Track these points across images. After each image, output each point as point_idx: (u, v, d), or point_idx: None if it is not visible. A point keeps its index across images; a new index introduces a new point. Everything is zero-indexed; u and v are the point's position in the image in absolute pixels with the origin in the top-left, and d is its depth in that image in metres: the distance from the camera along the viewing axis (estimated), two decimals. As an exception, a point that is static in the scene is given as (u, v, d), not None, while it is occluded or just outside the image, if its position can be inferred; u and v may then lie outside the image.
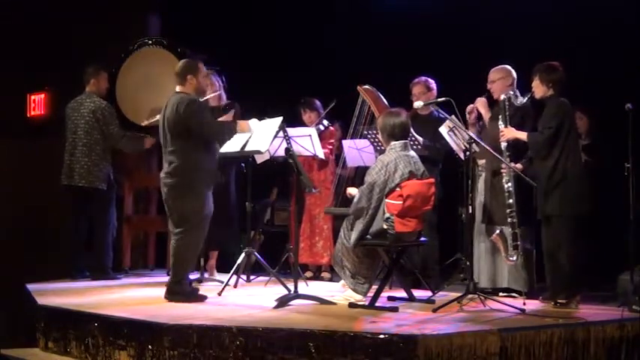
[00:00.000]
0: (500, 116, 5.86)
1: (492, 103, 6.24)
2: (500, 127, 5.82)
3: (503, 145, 5.79)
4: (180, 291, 5.84)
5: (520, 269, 5.95)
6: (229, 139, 6.05)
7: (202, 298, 5.89)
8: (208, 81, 6.75)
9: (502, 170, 5.81)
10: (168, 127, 5.81)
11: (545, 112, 5.66)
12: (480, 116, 6.31)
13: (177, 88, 5.91)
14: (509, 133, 5.77)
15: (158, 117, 7.04)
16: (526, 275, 5.98)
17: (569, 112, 5.66)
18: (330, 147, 7.25)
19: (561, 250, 5.55)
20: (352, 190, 5.84)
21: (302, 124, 7.18)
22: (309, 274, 7.33)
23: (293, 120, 7.05)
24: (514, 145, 5.82)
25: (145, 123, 7.38)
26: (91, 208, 7.23)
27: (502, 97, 5.90)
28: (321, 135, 7.10)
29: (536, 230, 5.87)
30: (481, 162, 6.12)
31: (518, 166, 5.85)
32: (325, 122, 7.25)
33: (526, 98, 5.77)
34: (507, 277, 6.03)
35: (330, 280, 7.06)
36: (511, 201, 5.72)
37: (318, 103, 7.31)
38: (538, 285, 6.08)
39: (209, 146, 5.88)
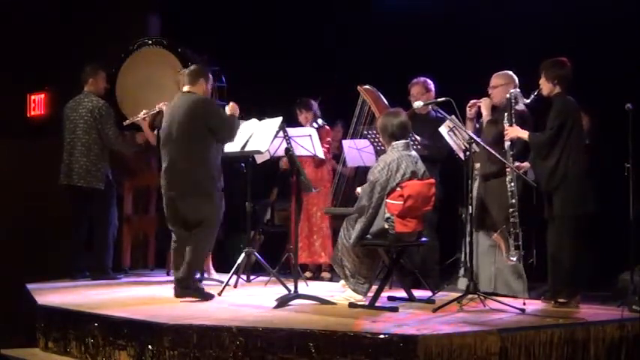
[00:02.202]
0: (505, 114, 5.82)
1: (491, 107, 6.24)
2: (505, 125, 5.79)
3: (507, 144, 5.76)
4: (193, 287, 5.90)
5: (519, 271, 5.95)
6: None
7: (210, 297, 5.94)
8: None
9: (506, 170, 5.78)
10: (180, 127, 5.81)
11: (551, 111, 5.62)
12: (479, 115, 6.30)
13: (187, 88, 5.95)
14: (512, 132, 5.73)
15: (140, 115, 7.10)
16: (525, 278, 5.98)
17: (573, 111, 5.58)
18: (327, 146, 7.23)
19: (563, 250, 5.54)
20: (361, 189, 5.84)
21: (298, 124, 7.17)
22: (308, 274, 7.34)
23: (293, 120, 7.06)
24: (522, 143, 5.79)
25: (127, 122, 7.39)
26: (91, 208, 7.23)
27: (508, 94, 5.84)
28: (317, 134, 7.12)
29: (536, 231, 5.88)
30: (476, 165, 6.10)
31: (525, 164, 5.83)
32: (320, 121, 7.25)
33: (532, 96, 5.71)
34: (496, 282, 6.02)
35: (330, 280, 7.07)
36: (513, 201, 5.69)
37: (313, 102, 7.31)
38: (538, 284, 6.08)
39: (216, 147, 5.93)
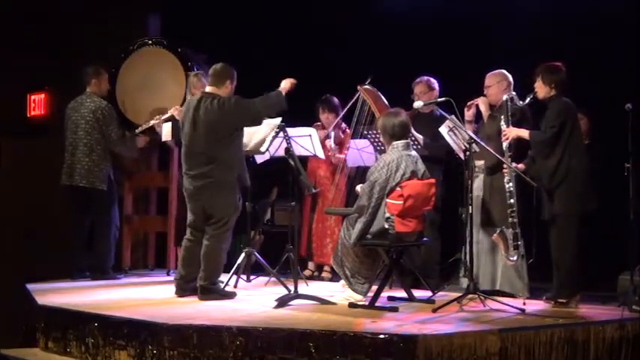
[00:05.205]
0: (502, 116, 5.85)
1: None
2: (502, 127, 5.81)
3: (505, 145, 5.79)
4: (216, 290, 5.94)
5: (520, 271, 5.94)
6: (280, 107, 6.07)
7: (233, 295, 6.00)
8: (200, 83, 6.77)
9: (503, 170, 5.80)
10: (207, 128, 5.83)
11: (548, 112, 5.65)
12: (477, 116, 6.30)
13: (209, 89, 5.97)
14: (512, 132, 5.76)
15: (153, 122, 7.15)
16: (527, 278, 5.98)
17: (572, 112, 5.65)
18: (346, 151, 7.05)
19: (565, 250, 5.55)
20: (360, 188, 5.84)
21: (308, 123, 7.13)
22: (308, 272, 7.29)
23: (293, 119, 7.02)
24: (517, 144, 5.81)
25: (140, 129, 7.39)
26: (92, 208, 7.23)
27: (504, 97, 5.89)
28: (341, 140, 7.12)
29: (537, 231, 5.87)
30: (479, 163, 6.10)
31: (520, 166, 5.84)
32: (343, 125, 7.18)
33: (528, 99, 5.76)
34: (501, 279, 6.02)
35: (331, 280, 7.06)
36: (512, 201, 5.71)
37: (337, 102, 7.20)
38: (540, 285, 6.08)
39: (242, 144, 6.01)
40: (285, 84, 6.10)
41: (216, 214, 5.91)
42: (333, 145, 7.06)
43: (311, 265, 7.38)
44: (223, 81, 5.97)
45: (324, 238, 7.23)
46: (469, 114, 6.25)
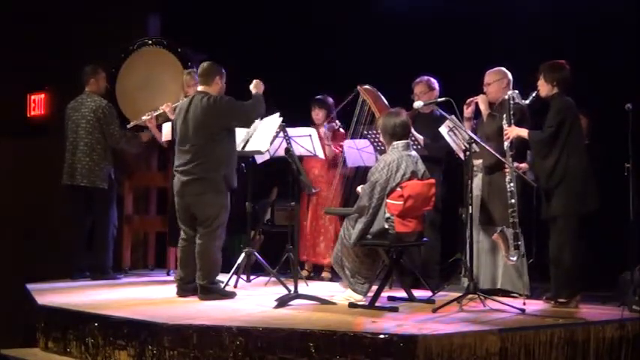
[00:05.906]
0: (504, 115, 5.84)
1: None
2: (504, 126, 5.81)
3: (506, 144, 5.78)
4: (216, 290, 5.96)
5: (520, 270, 5.95)
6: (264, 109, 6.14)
7: (233, 295, 6.01)
8: (193, 81, 6.78)
9: (505, 170, 5.79)
10: (196, 125, 5.85)
11: (549, 111, 5.65)
12: (476, 114, 6.30)
13: (201, 88, 6.00)
14: (513, 131, 5.75)
15: (144, 117, 7.15)
16: (527, 277, 5.98)
17: (572, 111, 5.61)
18: (340, 149, 7.16)
19: (564, 250, 5.55)
20: (361, 189, 5.84)
21: (308, 123, 7.14)
22: (305, 272, 7.27)
23: (293, 119, 7.04)
24: (521, 144, 5.80)
25: (131, 125, 7.39)
26: (93, 207, 7.23)
27: (507, 95, 5.88)
28: (334, 135, 7.13)
29: (536, 231, 5.88)
30: (477, 162, 6.10)
31: (524, 165, 5.84)
32: (338, 122, 7.22)
33: (530, 97, 5.75)
34: (502, 278, 6.02)
35: (330, 280, 7.06)
36: (513, 201, 5.69)
37: (330, 100, 7.26)
38: (540, 285, 6.08)
39: (233, 145, 6.01)
40: (258, 86, 6.18)
41: (202, 214, 5.91)
42: (326, 131, 7.10)
43: (307, 264, 7.38)
44: (213, 78, 6.00)
45: (317, 237, 7.23)
46: (468, 111, 6.24)
